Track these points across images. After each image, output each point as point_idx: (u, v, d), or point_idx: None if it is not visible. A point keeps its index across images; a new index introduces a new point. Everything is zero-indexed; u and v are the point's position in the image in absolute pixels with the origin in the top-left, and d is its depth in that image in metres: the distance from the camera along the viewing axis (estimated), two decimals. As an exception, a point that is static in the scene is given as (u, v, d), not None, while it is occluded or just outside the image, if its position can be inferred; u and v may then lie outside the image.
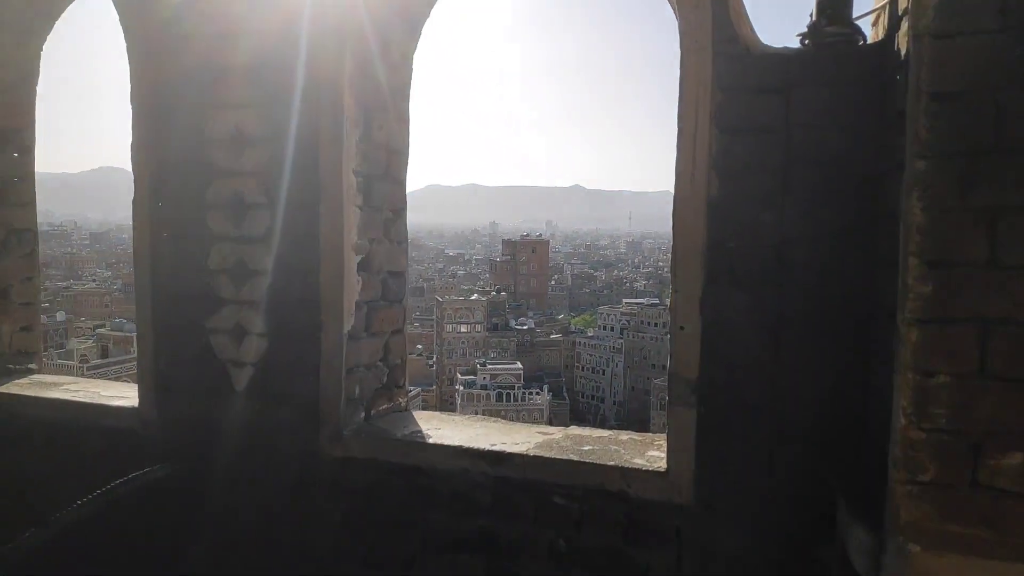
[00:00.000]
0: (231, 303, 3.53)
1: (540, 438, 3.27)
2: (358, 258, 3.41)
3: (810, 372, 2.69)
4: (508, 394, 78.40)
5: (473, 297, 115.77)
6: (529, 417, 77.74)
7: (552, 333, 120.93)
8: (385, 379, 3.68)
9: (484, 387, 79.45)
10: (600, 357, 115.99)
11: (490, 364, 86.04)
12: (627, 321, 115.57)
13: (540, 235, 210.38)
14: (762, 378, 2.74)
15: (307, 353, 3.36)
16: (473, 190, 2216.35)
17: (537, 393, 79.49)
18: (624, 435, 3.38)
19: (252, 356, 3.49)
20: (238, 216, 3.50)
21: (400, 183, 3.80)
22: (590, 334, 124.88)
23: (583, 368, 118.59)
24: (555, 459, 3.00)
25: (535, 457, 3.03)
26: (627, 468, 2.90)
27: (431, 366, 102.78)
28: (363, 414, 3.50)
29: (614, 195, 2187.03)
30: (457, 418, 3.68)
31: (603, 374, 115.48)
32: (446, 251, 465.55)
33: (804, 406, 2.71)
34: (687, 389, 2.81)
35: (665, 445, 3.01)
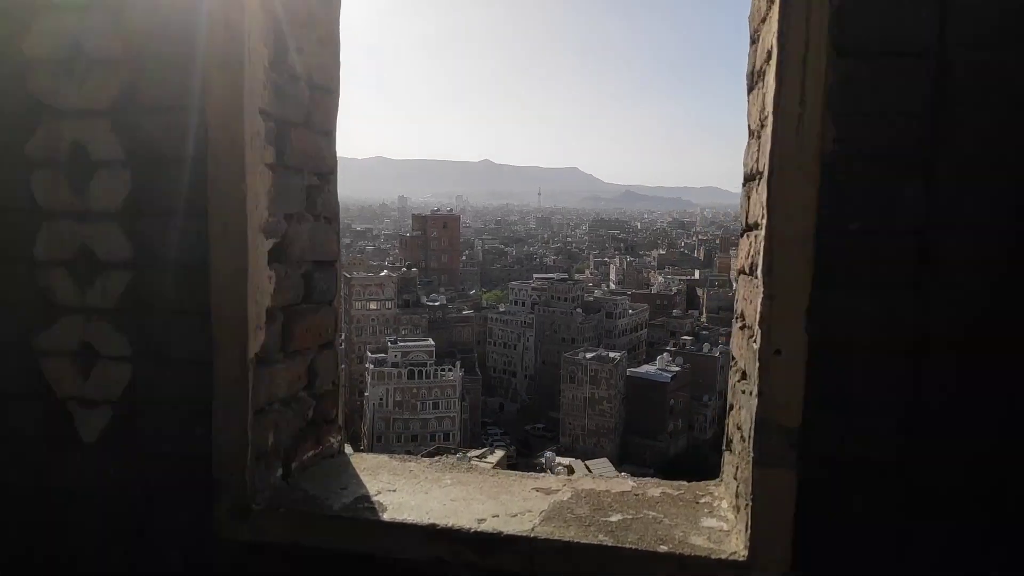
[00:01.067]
0: (73, 312, 2.34)
1: (543, 502, 2.29)
2: (270, 243, 2.29)
3: (967, 417, 1.82)
4: (420, 371, 77.16)
5: (383, 273, 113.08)
6: (442, 394, 76.91)
7: (464, 309, 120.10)
8: (311, 414, 2.59)
9: (395, 365, 77.84)
10: (511, 332, 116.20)
11: (401, 342, 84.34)
12: (538, 296, 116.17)
13: (450, 210, 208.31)
14: (895, 425, 1.85)
15: (193, 387, 2.24)
16: (380, 163, 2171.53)
17: (450, 370, 78.63)
18: (654, 488, 2.46)
19: (108, 391, 2.32)
20: (80, 179, 2.30)
21: (328, 135, 2.69)
22: (501, 309, 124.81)
23: (495, 343, 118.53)
24: (578, 544, 2.02)
25: (547, 541, 2.04)
26: (686, 556, 1.96)
27: (340, 345, 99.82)
28: (280, 471, 2.40)
29: (524, 170, 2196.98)
30: (416, 467, 2.63)
31: (515, 349, 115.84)
32: (353, 226, 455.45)
33: (956, 467, 1.84)
34: (784, 442, 1.88)
35: (721, 505, 2.11)
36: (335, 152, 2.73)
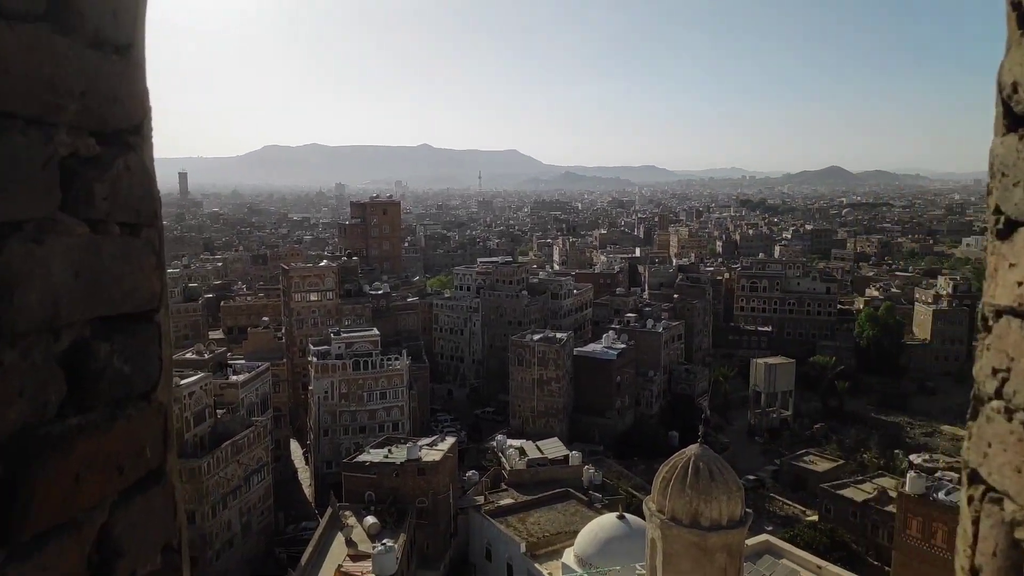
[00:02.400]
0: None
1: None
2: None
3: None
4: (366, 362, 75.49)
5: (322, 263, 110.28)
6: (389, 383, 75.50)
7: (408, 296, 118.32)
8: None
9: (339, 356, 75.94)
10: (457, 318, 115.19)
11: (344, 332, 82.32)
12: (482, 280, 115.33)
13: (390, 196, 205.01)
14: None
15: None
16: (315, 151, 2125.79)
17: (396, 359, 77.19)
18: None
19: None
20: None
21: (120, 51, 1.49)
22: (447, 295, 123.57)
23: (441, 330, 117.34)
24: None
25: None
26: None
27: (280, 338, 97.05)
28: None
29: (464, 154, 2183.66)
30: None
31: (461, 334, 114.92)
32: (290, 215, 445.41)
33: None
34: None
35: None
36: (143, 89, 1.57)
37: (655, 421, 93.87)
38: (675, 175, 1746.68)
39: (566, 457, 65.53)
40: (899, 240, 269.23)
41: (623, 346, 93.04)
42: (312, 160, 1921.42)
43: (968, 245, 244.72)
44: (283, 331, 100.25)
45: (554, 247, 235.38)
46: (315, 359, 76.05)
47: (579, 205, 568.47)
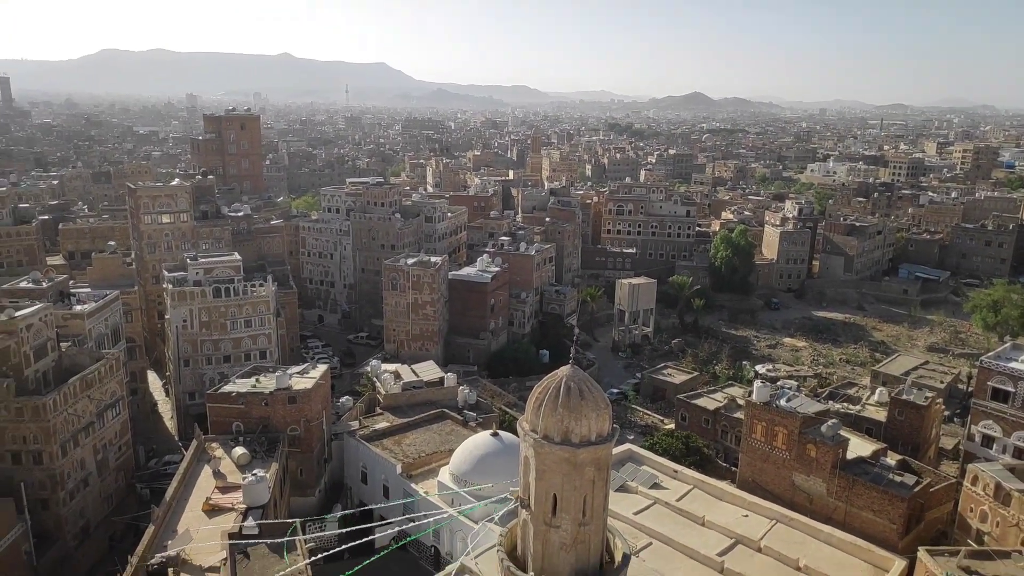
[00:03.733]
0: None
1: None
2: None
3: None
4: (227, 288, 71.58)
5: (174, 182, 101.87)
6: (254, 311, 72.34)
7: (272, 219, 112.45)
8: None
9: (198, 283, 71.49)
10: (327, 241, 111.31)
11: (202, 257, 77.34)
12: (353, 202, 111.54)
13: (248, 109, 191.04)
14: None
15: None
16: (161, 57, 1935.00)
17: (260, 284, 73.74)
18: None
19: None
20: None
21: None
22: (314, 217, 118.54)
23: (309, 254, 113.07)
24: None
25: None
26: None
27: (129, 264, 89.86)
28: None
29: (328, 66, 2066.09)
30: None
31: (331, 258, 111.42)
32: (135, 129, 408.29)
33: None
34: None
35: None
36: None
37: (527, 340, 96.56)
38: (547, 96, 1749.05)
39: (441, 379, 66.17)
40: (753, 165, 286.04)
41: (497, 269, 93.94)
42: (158, 67, 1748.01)
43: (812, 171, 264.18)
44: (132, 256, 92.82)
45: (427, 168, 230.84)
46: (170, 286, 71.22)
47: (452, 124, 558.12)
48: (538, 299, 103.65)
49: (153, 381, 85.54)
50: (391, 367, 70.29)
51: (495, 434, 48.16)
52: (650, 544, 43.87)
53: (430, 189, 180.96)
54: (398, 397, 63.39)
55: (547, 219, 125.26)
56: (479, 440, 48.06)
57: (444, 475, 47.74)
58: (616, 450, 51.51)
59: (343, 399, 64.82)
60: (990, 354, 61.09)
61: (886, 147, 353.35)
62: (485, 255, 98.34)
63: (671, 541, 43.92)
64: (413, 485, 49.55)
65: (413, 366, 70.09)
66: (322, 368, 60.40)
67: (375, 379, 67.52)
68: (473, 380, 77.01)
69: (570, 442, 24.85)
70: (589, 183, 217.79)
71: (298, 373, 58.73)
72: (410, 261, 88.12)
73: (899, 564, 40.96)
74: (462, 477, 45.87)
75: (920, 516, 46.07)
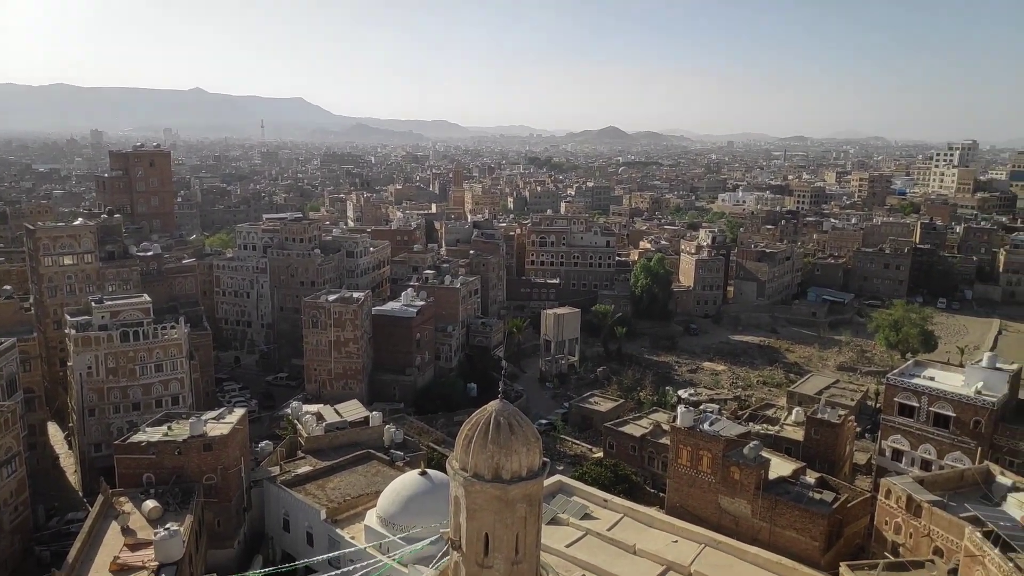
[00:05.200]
0: None
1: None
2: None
3: None
4: (136, 332, 67.96)
5: (77, 222, 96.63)
6: (165, 354, 68.90)
7: (184, 257, 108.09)
8: None
9: (104, 327, 67.59)
10: (242, 279, 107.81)
11: (109, 300, 73.32)
12: (270, 239, 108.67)
13: (157, 145, 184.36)
14: None
15: None
16: (62, 91, 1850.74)
17: (172, 327, 70.37)
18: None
19: None
20: None
21: None
22: (229, 255, 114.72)
23: (224, 293, 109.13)
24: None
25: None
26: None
27: (27, 309, 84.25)
28: None
29: (243, 101, 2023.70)
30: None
31: (248, 297, 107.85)
32: (35, 166, 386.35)
33: None
34: None
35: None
36: None
37: (455, 374, 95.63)
38: (467, 131, 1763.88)
39: (366, 419, 64.46)
40: (667, 196, 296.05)
41: (422, 303, 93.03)
42: (59, 102, 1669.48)
43: (723, 200, 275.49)
44: (31, 301, 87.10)
45: (348, 202, 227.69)
46: (73, 331, 67.05)
47: (372, 159, 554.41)
48: (464, 332, 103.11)
49: (54, 433, 79.91)
50: (313, 408, 68.06)
51: (424, 473, 47.10)
52: (583, 576, 43.56)
53: (351, 223, 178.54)
54: (320, 439, 61.30)
55: (471, 252, 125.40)
56: (407, 480, 46.89)
57: (371, 519, 46.24)
58: (546, 482, 51.21)
59: (262, 444, 62.16)
60: (895, 371, 64.43)
61: (790, 177, 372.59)
62: (409, 289, 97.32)
63: (603, 572, 43.74)
64: (339, 531, 47.74)
65: (336, 406, 68.06)
66: (239, 412, 57.83)
67: (296, 421, 65.17)
68: (400, 418, 75.47)
69: (501, 479, 24.45)
70: (512, 215, 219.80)
71: (214, 419, 56.00)
72: (331, 297, 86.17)
73: (822, 580, 42.08)
74: (390, 520, 44.53)
75: (840, 532, 47.62)
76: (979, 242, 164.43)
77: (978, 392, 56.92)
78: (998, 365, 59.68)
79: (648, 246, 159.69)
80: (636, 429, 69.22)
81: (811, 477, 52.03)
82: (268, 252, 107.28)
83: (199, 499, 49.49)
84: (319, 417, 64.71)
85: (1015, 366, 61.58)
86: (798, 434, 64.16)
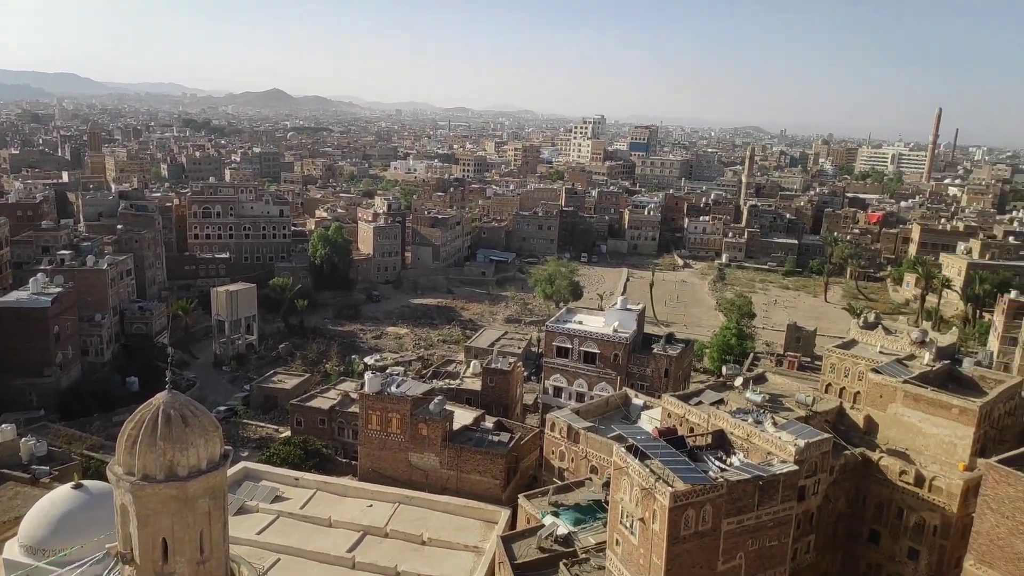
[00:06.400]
0: None
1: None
2: None
3: None
4: None
5: None
6: None
7: None
8: None
9: None
10: None
11: None
12: None
13: None
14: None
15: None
16: None
17: None
18: None
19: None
20: None
21: None
22: None
23: None
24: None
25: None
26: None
27: None
28: None
29: None
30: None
31: None
32: None
33: None
34: None
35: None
36: None
37: (109, 369, 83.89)
38: (103, 87, 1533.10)
39: (-7, 433, 53.35)
40: (340, 163, 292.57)
41: (59, 290, 79.18)
42: None
43: (396, 168, 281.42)
44: None
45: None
46: None
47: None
48: (118, 320, 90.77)
49: None
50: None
51: (78, 486, 40.67)
52: (279, 560, 42.10)
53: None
54: (-71, 467, 49.26)
55: (119, 227, 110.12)
56: (57, 497, 40.09)
57: (11, 550, 38.75)
58: (230, 471, 48.08)
59: None
60: (552, 319, 73.06)
61: (455, 146, 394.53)
62: (40, 274, 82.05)
63: (300, 551, 42.81)
64: (-34, 573, 39.16)
65: (-52, 424, 55.09)
66: None
67: None
68: (41, 427, 64.23)
69: (177, 476, 22.25)
70: (167, 184, 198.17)
71: None
72: (-73, 291, 68.97)
73: (504, 513, 46.48)
74: (38, 547, 37.80)
75: (516, 467, 52.92)
76: (609, 204, 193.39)
77: (615, 330, 67.34)
78: (628, 306, 71.18)
79: (325, 215, 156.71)
80: (324, 402, 68.30)
81: (490, 422, 56.78)
82: None
83: None
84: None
85: (640, 306, 74.13)
86: (477, 384, 69.32)
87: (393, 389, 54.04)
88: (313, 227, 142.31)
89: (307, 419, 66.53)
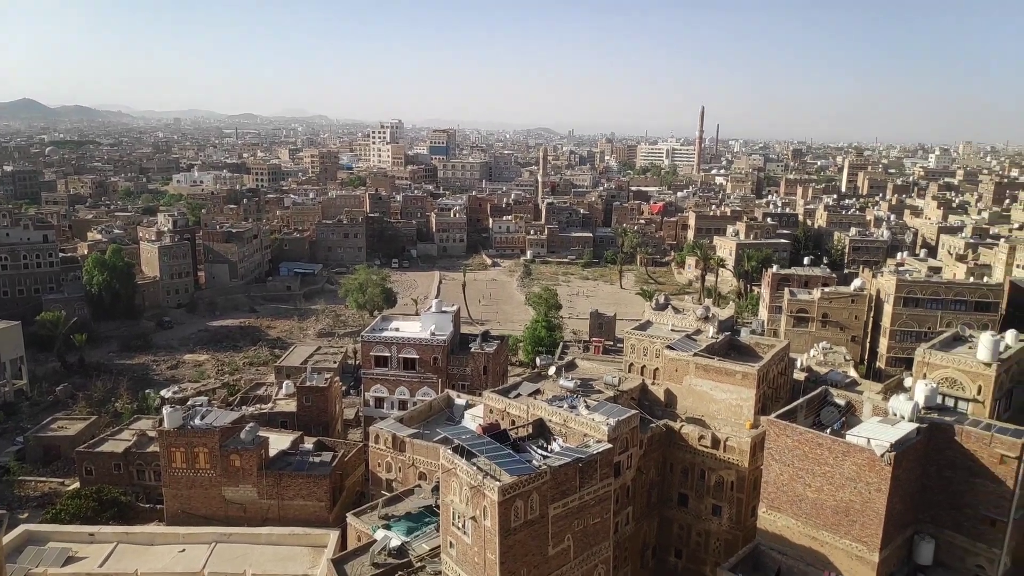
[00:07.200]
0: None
1: None
2: None
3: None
4: None
5: None
6: None
7: None
8: None
9: None
10: None
11: None
12: None
13: None
14: None
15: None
16: None
17: None
18: None
19: None
20: None
21: None
22: None
23: None
24: None
25: None
26: None
27: None
28: None
29: None
30: None
31: None
32: None
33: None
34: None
35: None
36: None
37: None
38: None
39: None
40: (113, 179, 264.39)
41: None
42: None
43: (179, 181, 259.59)
44: None
45: None
46: None
47: None
48: None
49: None
50: None
51: None
52: (77, 630, 37.32)
53: None
54: None
55: None
56: None
57: None
58: (8, 538, 41.78)
59: None
60: (367, 329, 71.57)
61: (245, 155, 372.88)
62: None
63: (103, 615, 38.25)
64: None
65: None
66: None
67: None
68: None
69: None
70: None
71: None
72: None
73: (333, 535, 44.80)
74: None
75: (342, 486, 51.24)
76: (415, 208, 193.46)
77: (432, 334, 67.50)
78: (444, 309, 71.66)
79: (99, 237, 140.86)
80: (118, 445, 61.44)
81: (309, 443, 54.44)
82: None
83: None
84: None
85: (455, 307, 74.93)
86: (291, 405, 66.12)
87: (197, 422, 49.98)
88: (86, 252, 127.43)
89: (98, 466, 59.49)
